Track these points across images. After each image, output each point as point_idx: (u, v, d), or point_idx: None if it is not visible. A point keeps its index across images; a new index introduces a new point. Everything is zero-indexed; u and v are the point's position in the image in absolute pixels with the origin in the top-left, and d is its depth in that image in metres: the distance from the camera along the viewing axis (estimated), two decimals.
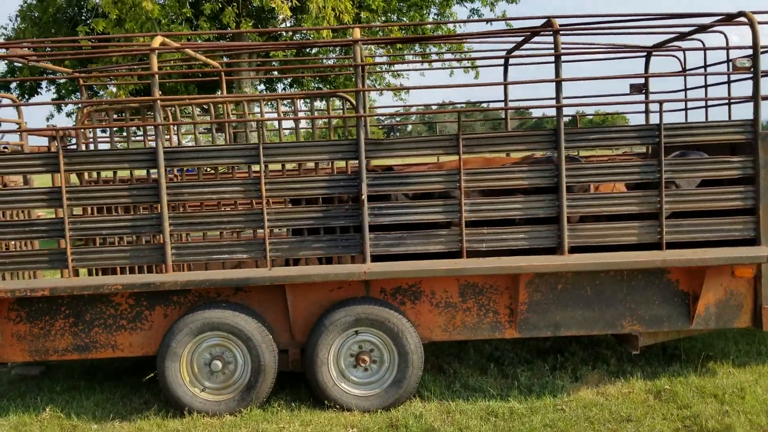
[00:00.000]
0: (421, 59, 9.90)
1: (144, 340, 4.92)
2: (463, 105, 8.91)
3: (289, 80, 16.09)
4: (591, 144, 4.91)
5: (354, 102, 4.92)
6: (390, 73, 16.33)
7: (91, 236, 5.03)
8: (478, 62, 14.06)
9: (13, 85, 15.16)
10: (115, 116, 6.53)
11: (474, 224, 4.89)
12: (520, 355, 5.72)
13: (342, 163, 5.22)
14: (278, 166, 5.45)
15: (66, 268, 4.86)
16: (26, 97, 15.23)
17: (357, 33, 4.84)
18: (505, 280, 4.88)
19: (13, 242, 5.48)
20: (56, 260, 4.90)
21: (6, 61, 9.85)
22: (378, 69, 12.77)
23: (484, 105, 7.97)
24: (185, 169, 5.40)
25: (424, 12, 15.31)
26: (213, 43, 7.07)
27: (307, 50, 13.60)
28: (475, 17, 16.21)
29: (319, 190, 4.88)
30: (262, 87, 16.26)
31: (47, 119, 16.08)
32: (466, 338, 4.98)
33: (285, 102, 11.58)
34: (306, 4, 9.97)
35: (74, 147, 5.99)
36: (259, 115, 6.02)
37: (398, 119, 13.94)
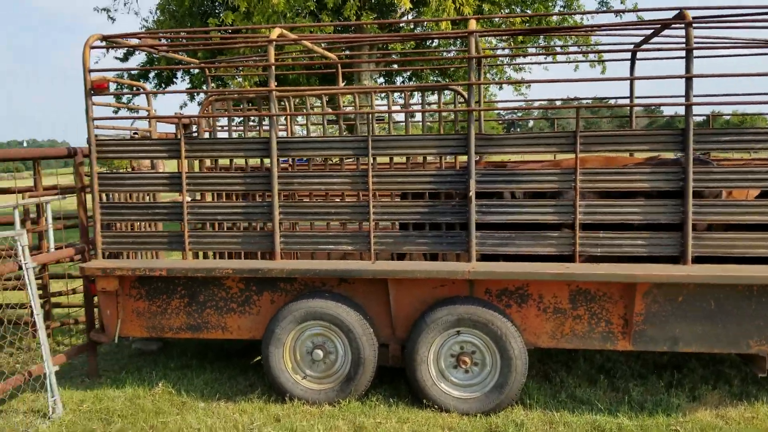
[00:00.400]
0: (544, 53, 9.57)
1: (252, 324, 5.05)
2: (588, 101, 8.45)
3: (408, 73, 16.07)
4: (724, 146, 4.53)
5: (465, 95, 4.78)
6: (511, 66, 15.98)
7: (207, 221, 5.23)
8: (605, 56, 13.48)
9: (152, 74, 16.10)
10: (241, 106, 6.75)
11: (588, 227, 4.65)
12: (633, 369, 5.40)
13: (452, 158, 5.11)
14: (387, 159, 5.41)
15: (183, 250, 5.09)
16: (163, 86, 16.13)
17: (473, 24, 4.70)
18: (620, 288, 4.59)
19: (137, 223, 5.79)
20: (175, 242, 5.13)
21: (145, 52, 10.39)
22: (498, 62, 12.50)
23: (611, 102, 7.54)
24: (296, 159, 5.49)
25: (550, 3, 14.82)
26: (329, 35, 7.14)
27: (427, 43, 13.53)
28: (603, 9, 15.51)
29: (426, 185, 4.81)
30: (381, 80, 16.38)
31: (180, 108, 16.96)
32: (575, 347, 4.73)
33: (401, 95, 11.61)
34: None
35: (196, 135, 6.24)
36: (380, 107, 6.03)
37: (519, 114, 13.59)
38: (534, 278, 4.60)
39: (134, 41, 5.67)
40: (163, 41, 6.52)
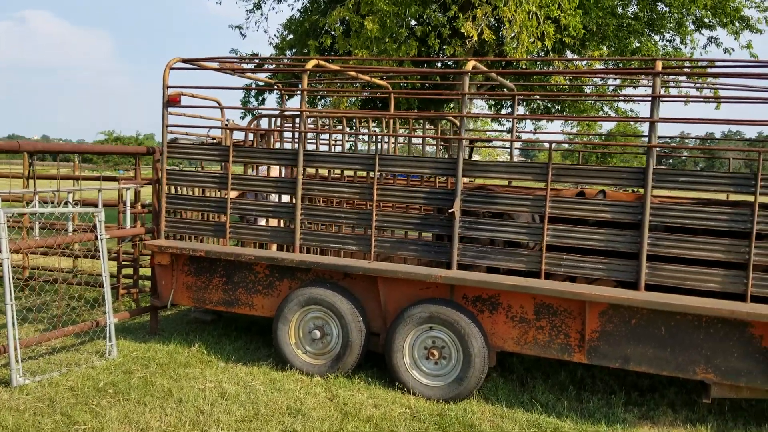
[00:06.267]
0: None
1: (273, 305, 6.04)
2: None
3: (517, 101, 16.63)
4: (681, 186, 4.95)
5: (458, 125, 5.51)
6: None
7: (244, 215, 6.31)
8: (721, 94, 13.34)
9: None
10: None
11: (554, 249, 5.22)
12: (608, 385, 5.83)
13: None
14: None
15: (224, 237, 6.19)
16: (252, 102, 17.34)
17: (469, 65, 5.43)
18: (578, 305, 5.12)
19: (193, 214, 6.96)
20: (219, 231, 6.25)
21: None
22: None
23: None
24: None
25: (656, 38, 14.86)
26: (370, 67, 8.08)
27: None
28: (713, 46, 15.32)
29: (421, 200, 5.59)
30: (482, 103, 17.05)
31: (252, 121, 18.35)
32: (536, 354, 5.30)
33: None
34: (501, 31, 10.53)
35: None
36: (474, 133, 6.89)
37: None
38: (501, 288, 5.24)
39: (213, 65, 6.87)
40: (247, 65, 7.69)
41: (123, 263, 7.83)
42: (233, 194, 6.33)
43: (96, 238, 5.93)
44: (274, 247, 6.95)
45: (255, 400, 5.05)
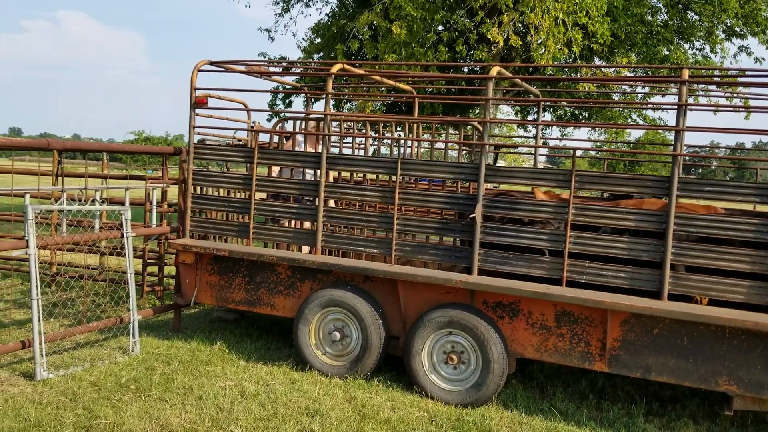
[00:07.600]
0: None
1: (294, 305, 6.08)
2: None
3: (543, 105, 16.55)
4: (705, 195, 4.90)
5: (481, 130, 5.51)
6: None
7: (268, 217, 6.37)
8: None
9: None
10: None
11: (578, 256, 5.19)
12: (629, 394, 5.78)
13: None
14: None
15: (248, 238, 6.25)
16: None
17: (494, 71, 5.43)
18: (600, 314, 5.08)
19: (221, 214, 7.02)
20: (242, 232, 6.31)
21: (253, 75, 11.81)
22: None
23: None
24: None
25: (686, 45, 14.69)
26: (394, 71, 8.10)
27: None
28: (744, 55, 15.12)
29: (442, 204, 5.59)
30: (508, 109, 17.00)
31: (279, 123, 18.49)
32: (556, 362, 5.27)
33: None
34: (527, 37, 10.52)
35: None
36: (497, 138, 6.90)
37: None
38: (522, 295, 5.22)
39: (241, 68, 6.94)
40: (274, 69, 7.76)
41: (148, 261, 7.95)
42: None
43: (122, 236, 6.02)
44: (305, 249, 6.97)
45: (274, 400, 5.09)
